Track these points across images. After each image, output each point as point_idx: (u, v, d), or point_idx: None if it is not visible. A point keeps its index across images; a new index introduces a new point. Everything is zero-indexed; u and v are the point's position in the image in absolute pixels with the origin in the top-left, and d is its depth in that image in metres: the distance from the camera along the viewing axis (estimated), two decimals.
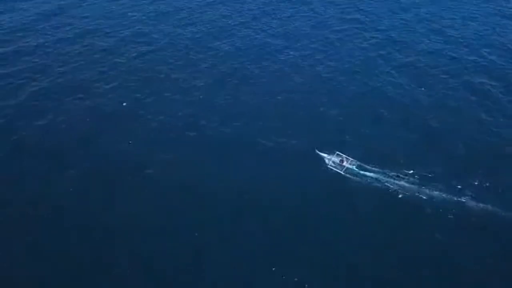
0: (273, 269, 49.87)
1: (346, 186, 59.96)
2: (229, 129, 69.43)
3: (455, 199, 57.04)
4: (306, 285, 48.77)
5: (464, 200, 56.90)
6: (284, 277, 49.17)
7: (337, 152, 63.28)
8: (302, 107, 74.34)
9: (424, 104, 74.78)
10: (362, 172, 61.44)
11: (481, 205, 56.30)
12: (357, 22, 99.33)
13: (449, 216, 55.27)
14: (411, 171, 60.75)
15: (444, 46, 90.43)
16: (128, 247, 51.55)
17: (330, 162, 62.73)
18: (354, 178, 60.88)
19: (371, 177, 60.64)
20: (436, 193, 57.99)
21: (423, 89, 78.20)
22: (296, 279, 49.13)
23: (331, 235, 53.61)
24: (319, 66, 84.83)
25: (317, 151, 63.81)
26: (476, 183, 59.29)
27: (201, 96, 76.51)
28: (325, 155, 63.50)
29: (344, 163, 62.19)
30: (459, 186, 58.66)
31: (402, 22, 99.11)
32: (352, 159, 62.69)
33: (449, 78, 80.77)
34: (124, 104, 74.36)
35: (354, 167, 62.04)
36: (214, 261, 50.60)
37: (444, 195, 57.62)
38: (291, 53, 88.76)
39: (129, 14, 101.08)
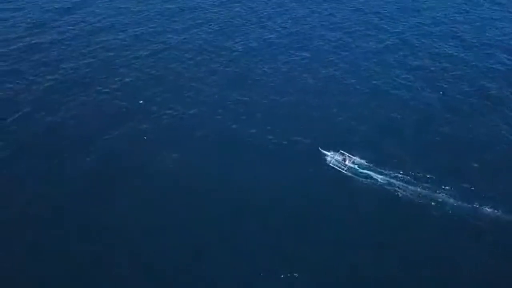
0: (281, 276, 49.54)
1: (347, 186, 59.64)
2: (239, 128, 69.32)
3: (463, 203, 56.37)
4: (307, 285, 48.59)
5: (474, 205, 56.20)
6: (284, 277, 49.01)
7: (341, 151, 63.05)
8: (314, 108, 73.91)
9: (437, 108, 73.87)
10: (364, 171, 61.07)
11: (489, 210, 55.69)
12: (373, 24, 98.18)
13: (452, 218, 55.09)
14: (417, 174, 60.12)
15: (460, 50, 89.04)
16: (128, 247, 51.41)
17: (333, 160, 62.51)
18: (356, 177, 60.49)
19: (373, 177, 60.23)
20: (440, 196, 57.41)
21: (440, 93, 77.21)
22: (296, 279, 48.90)
23: (332, 234, 53.35)
24: (332, 67, 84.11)
25: (321, 149, 63.66)
26: (483, 189, 58.49)
27: (216, 96, 76.23)
28: (328, 153, 63.40)
29: (347, 162, 61.99)
30: (468, 191, 58.00)
31: (418, 25, 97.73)
32: (355, 158, 62.41)
33: (465, 83, 79.51)
34: (141, 102, 74.38)
35: (356, 166, 61.75)
36: (214, 261, 50.37)
37: (449, 198, 57.02)
38: (305, 54, 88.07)
39: (144, 12, 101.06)
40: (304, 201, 57.45)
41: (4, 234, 52.53)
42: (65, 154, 63.74)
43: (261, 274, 49.37)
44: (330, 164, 62.19)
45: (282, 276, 48.95)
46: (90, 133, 67.36)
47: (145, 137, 66.97)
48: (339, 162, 62.17)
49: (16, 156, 63.34)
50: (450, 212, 55.73)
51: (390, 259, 50.83)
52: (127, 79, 79.69)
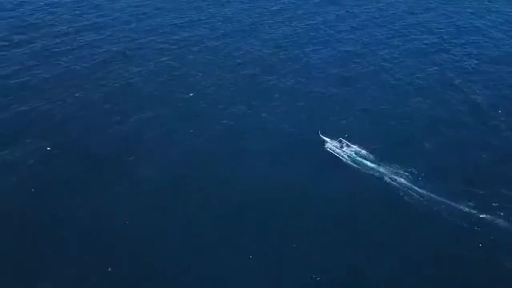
0: None
1: (348, 185, 59.28)
2: (247, 126, 70.19)
3: (463, 204, 55.74)
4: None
5: (475, 206, 55.54)
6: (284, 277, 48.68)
7: (340, 138, 63.26)
8: (337, 101, 75.81)
9: (463, 117, 72.89)
10: (359, 159, 61.39)
11: (488, 212, 54.80)
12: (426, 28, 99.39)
13: (452, 218, 54.36)
14: (419, 174, 59.50)
15: None
16: (128, 247, 51.52)
17: (331, 146, 63.11)
18: (356, 173, 60.35)
19: (369, 167, 60.43)
20: (440, 196, 56.48)
21: (465, 106, 75.58)
22: (297, 279, 48.52)
23: (332, 234, 52.94)
24: (374, 65, 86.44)
25: (321, 135, 64.04)
26: (485, 190, 57.73)
27: (232, 92, 77.53)
28: (327, 139, 63.79)
29: (344, 148, 62.32)
30: (468, 193, 57.27)
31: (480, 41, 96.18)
32: (353, 145, 62.63)
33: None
34: (191, 94, 75.79)
35: (353, 153, 62.10)
36: (214, 261, 50.21)
37: (450, 199, 56.23)
38: (341, 48, 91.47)
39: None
40: (304, 200, 57.26)
41: (4, 235, 52.82)
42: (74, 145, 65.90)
43: (261, 274, 49.04)
44: (327, 149, 63.01)
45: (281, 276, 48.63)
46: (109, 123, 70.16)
47: (191, 130, 68.31)
48: (336, 147, 62.82)
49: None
50: (450, 212, 54.89)
51: (390, 259, 50.15)
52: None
